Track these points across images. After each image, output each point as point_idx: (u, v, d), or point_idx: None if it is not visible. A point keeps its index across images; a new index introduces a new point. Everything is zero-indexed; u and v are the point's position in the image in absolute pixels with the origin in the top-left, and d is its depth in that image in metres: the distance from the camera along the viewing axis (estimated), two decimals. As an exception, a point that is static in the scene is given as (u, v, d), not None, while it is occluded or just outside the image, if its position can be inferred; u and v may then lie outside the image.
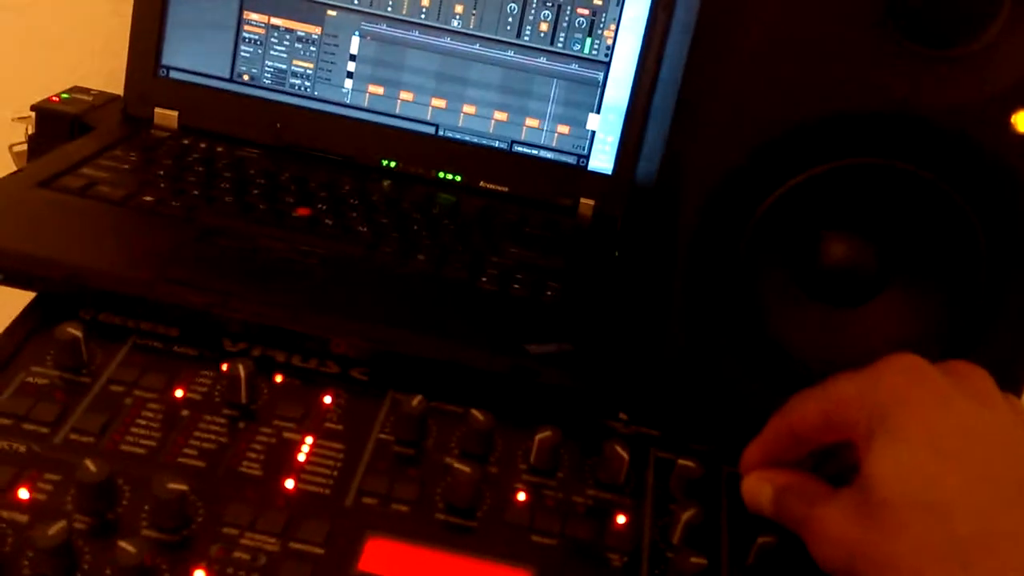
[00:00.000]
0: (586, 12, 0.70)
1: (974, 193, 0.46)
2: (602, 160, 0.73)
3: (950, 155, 0.45)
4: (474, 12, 0.70)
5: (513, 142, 0.73)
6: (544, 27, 0.70)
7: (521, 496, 0.47)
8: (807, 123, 0.45)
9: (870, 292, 0.51)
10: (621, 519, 0.47)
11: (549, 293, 0.59)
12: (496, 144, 0.73)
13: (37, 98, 0.75)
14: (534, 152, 0.73)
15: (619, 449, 0.47)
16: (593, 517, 0.47)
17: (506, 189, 0.73)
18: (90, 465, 0.43)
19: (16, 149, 0.77)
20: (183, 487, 0.42)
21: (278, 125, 0.74)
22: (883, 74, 0.44)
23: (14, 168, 0.74)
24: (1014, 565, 0.36)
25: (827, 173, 0.47)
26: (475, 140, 0.73)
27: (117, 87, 0.79)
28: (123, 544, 0.40)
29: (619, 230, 0.71)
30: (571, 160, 0.73)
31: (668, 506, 0.48)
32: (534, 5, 0.70)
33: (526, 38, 0.71)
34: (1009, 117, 0.44)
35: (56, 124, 0.75)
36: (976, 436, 0.39)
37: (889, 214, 0.48)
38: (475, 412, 0.48)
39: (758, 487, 0.46)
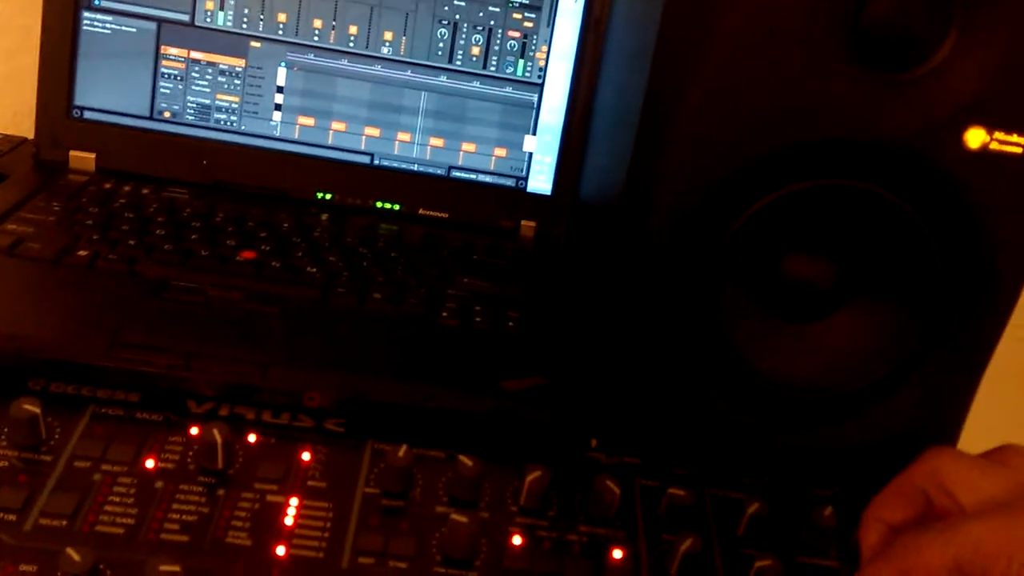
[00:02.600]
0: (517, 35, 0.70)
1: (929, 209, 0.48)
2: (540, 181, 0.73)
3: (906, 174, 0.47)
4: (404, 38, 0.69)
5: (451, 167, 0.72)
6: (476, 51, 0.70)
7: (516, 540, 0.47)
8: (772, 151, 0.46)
9: (830, 308, 0.52)
10: (617, 554, 0.47)
11: (511, 324, 0.59)
12: (433, 171, 0.72)
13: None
14: (472, 176, 0.72)
15: (610, 483, 0.48)
16: (589, 555, 0.47)
17: (446, 215, 0.72)
18: (73, 554, 0.41)
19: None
20: (176, 568, 0.41)
21: (205, 163, 0.71)
22: (843, 100, 0.45)
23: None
24: None
25: (788, 196, 0.48)
26: (412, 168, 0.72)
27: (21, 129, 0.75)
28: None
29: (562, 250, 0.72)
30: (510, 183, 0.73)
31: (661, 535, 0.48)
32: (465, 30, 0.69)
33: (458, 63, 0.70)
34: (961, 135, 0.46)
35: (-40, 173, 0.70)
36: None
37: (848, 232, 0.50)
38: (463, 459, 0.48)
39: None
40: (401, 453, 0.47)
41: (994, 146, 0.46)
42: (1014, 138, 0.46)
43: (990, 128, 0.46)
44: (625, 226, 0.53)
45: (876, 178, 0.47)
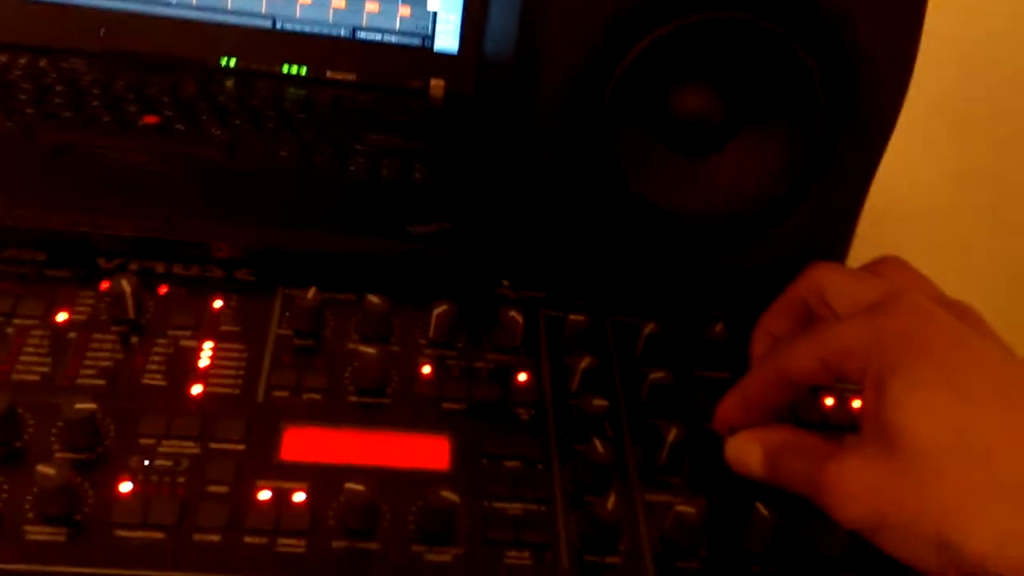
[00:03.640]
0: None
1: (810, 40, 0.49)
2: (447, 39, 0.73)
3: (788, 5, 0.48)
4: None
5: (355, 28, 0.72)
6: (373, -95, 0.69)
7: (426, 369, 0.49)
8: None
9: (720, 141, 0.54)
10: (522, 377, 0.49)
11: (418, 175, 0.60)
12: (338, 32, 0.72)
13: None
14: (378, 37, 0.72)
15: (513, 314, 0.50)
16: (496, 379, 0.49)
17: (353, 77, 0.72)
18: (-13, 397, 0.42)
19: None
20: (92, 405, 0.42)
21: (102, 32, 0.69)
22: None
23: None
24: None
25: (675, 32, 0.49)
26: (316, 30, 0.71)
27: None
28: (41, 468, 0.39)
29: (472, 106, 0.72)
30: (416, 42, 0.73)
31: (563, 359, 0.51)
32: None
33: (356, -82, 0.69)
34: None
35: None
36: (998, 374, 0.38)
37: (735, 66, 0.51)
38: (371, 297, 0.49)
39: (746, 448, 0.43)
40: (310, 295, 0.49)
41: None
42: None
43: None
44: (521, 74, 0.54)
45: (754, 8, 0.48)
